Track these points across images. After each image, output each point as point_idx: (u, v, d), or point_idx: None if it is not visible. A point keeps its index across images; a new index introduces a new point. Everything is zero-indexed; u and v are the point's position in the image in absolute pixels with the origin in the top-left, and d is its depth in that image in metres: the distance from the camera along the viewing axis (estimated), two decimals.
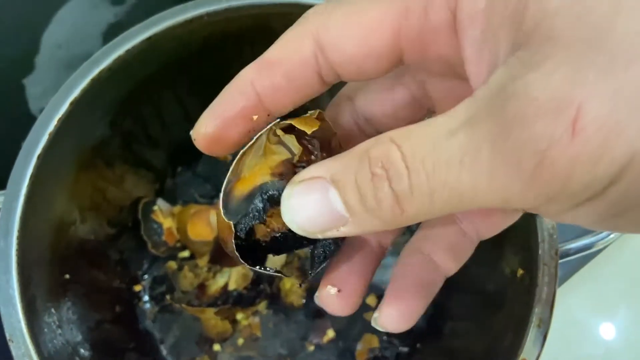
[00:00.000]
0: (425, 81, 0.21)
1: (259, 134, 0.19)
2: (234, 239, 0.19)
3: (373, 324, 0.21)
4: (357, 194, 0.15)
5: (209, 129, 0.19)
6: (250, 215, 0.20)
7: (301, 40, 0.18)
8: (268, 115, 0.19)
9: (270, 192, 0.19)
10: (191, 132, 0.20)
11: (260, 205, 0.19)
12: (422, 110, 0.22)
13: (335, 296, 0.21)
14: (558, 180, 0.13)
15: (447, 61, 0.18)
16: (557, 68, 0.13)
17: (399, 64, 0.19)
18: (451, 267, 0.22)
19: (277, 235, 0.20)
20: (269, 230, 0.20)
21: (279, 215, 0.18)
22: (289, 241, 0.20)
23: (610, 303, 0.50)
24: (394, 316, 0.21)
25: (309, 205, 0.17)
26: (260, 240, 0.20)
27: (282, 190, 0.18)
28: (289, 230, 0.18)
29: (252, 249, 0.20)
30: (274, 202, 0.19)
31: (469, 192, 0.14)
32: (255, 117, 0.19)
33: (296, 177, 0.17)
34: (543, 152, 0.13)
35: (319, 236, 0.17)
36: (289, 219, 0.17)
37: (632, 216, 0.14)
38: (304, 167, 0.19)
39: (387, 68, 0.18)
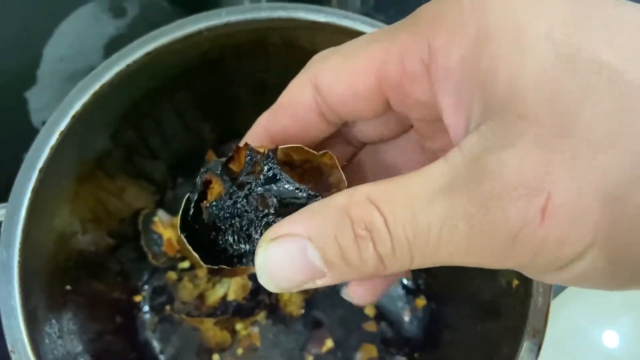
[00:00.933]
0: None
1: None
2: (182, 212, 0.20)
3: (342, 294, 0.22)
4: (338, 252, 0.16)
5: None
6: (196, 187, 0.21)
7: (303, 85, 0.20)
8: None
9: (210, 166, 0.20)
10: None
11: (202, 171, 0.20)
12: (404, 126, 0.23)
13: (362, 289, 0.22)
14: (527, 256, 0.14)
15: (427, 107, 0.19)
16: (529, 151, 0.14)
17: (389, 108, 0.20)
18: None
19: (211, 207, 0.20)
20: (206, 202, 0.20)
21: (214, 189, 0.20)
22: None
23: (613, 311, 0.50)
24: (362, 290, 0.22)
25: (286, 264, 0.16)
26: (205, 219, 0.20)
27: (220, 166, 0.20)
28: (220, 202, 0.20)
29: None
30: (210, 171, 0.20)
31: (447, 257, 0.15)
32: None
33: (269, 234, 0.16)
34: (515, 233, 0.14)
35: (294, 290, 0.17)
36: (266, 280, 0.17)
37: (600, 281, 0.15)
38: (252, 157, 0.20)
39: (379, 110, 0.20)
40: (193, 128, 0.48)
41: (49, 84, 0.54)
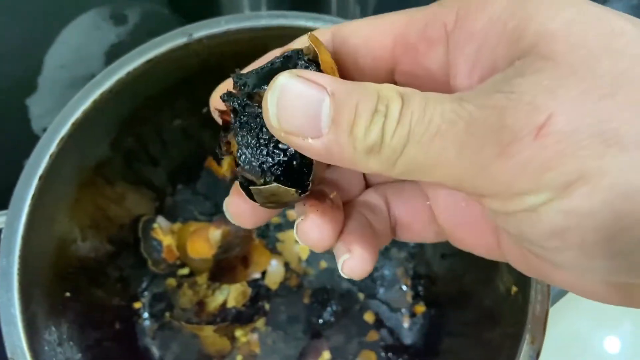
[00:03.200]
0: None
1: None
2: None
3: (342, 271, 0.21)
4: (352, 117, 0.16)
5: None
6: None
7: (323, 31, 0.21)
8: None
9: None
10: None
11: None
12: None
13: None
14: (507, 176, 0.15)
15: (433, 78, 0.20)
16: (544, 80, 0.14)
17: (391, 76, 0.21)
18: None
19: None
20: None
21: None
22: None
23: (615, 316, 0.50)
24: (362, 263, 0.21)
25: (297, 101, 0.16)
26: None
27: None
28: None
29: None
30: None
31: (433, 158, 0.16)
32: None
33: (297, 71, 0.17)
34: (505, 145, 0.14)
35: (282, 136, 0.17)
36: (271, 101, 0.17)
37: (575, 241, 0.15)
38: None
39: (380, 76, 0.21)
40: (192, 135, 0.49)
41: (49, 91, 0.54)
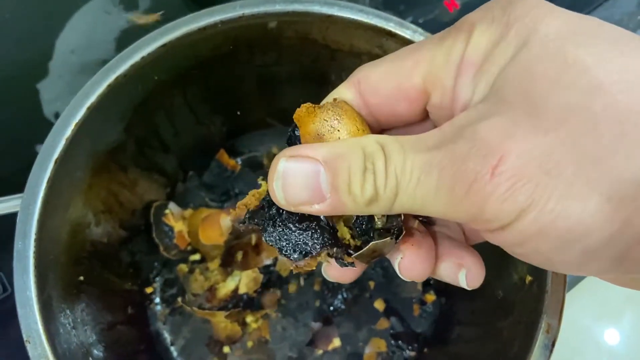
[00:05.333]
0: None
1: None
2: None
3: (467, 285, 0.23)
4: (347, 179, 0.18)
5: None
6: None
7: (346, 88, 0.22)
8: None
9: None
10: None
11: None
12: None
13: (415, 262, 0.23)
14: (476, 208, 0.17)
15: (462, 102, 0.21)
16: (499, 124, 0.17)
17: (425, 112, 0.22)
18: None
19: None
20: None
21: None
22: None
23: (615, 309, 0.51)
24: (479, 270, 0.23)
25: (298, 179, 0.19)
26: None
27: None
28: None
29: None
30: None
31: (420, 201, 0.18)
32: None
33: (289, 152, 0.19)
34: (469, 184, 0.17)
35: (292, 209, 0.19)
36: (277, 189, 0.19)
37: (531, 249, 0.17)
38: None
39: (417, 113, 0.22)
40: (204, 121, 0.48)
41: (60, 76, 0.54)
